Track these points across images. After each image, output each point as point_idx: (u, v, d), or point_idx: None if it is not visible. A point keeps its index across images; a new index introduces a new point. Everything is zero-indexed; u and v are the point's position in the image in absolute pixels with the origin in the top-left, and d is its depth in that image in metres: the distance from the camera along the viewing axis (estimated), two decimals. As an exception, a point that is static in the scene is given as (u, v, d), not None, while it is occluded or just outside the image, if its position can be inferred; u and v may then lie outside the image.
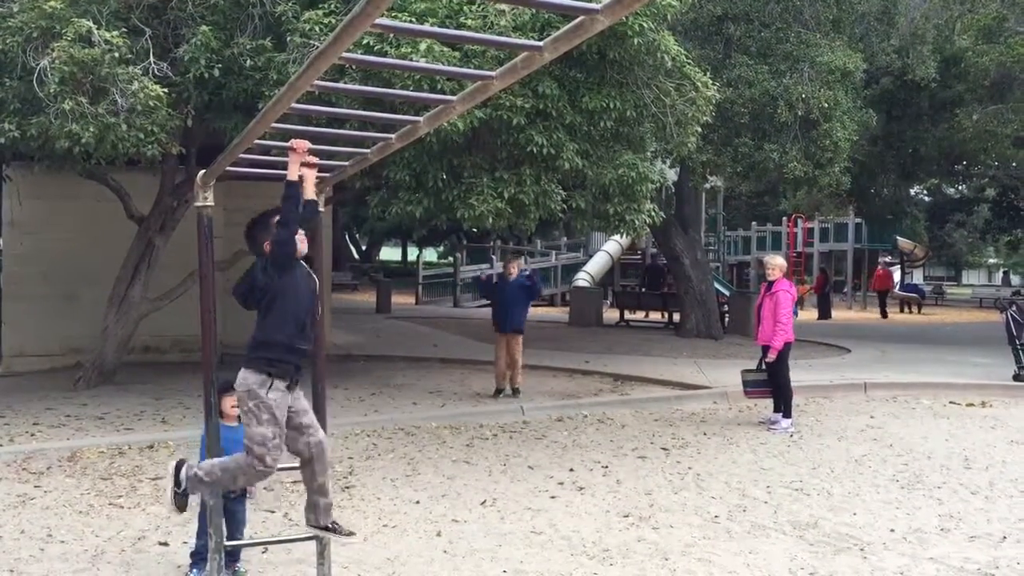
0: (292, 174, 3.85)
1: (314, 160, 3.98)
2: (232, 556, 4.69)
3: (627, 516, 6.16)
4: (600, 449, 8.25)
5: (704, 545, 5.58)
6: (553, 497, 6.61)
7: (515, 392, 10.68)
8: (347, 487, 6.70)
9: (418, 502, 6.42)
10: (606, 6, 2.24)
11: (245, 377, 3.96)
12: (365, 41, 7.51)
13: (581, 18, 2.32)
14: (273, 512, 6.06)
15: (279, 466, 4.08)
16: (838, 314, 27.48)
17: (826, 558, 5.36)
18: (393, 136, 3.71)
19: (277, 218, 3.90)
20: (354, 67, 7.43)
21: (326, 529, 4.18)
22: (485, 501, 6.47)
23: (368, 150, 3.97)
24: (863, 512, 6.33)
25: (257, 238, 4.06)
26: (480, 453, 8.01)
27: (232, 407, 4.51)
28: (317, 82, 2.85)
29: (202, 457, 4.46)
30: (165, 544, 5.43)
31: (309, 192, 4.00)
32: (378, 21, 2.32)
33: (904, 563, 5.29)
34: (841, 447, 8.45)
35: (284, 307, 3.95)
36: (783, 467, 7.66)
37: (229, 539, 4.45)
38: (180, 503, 4.15)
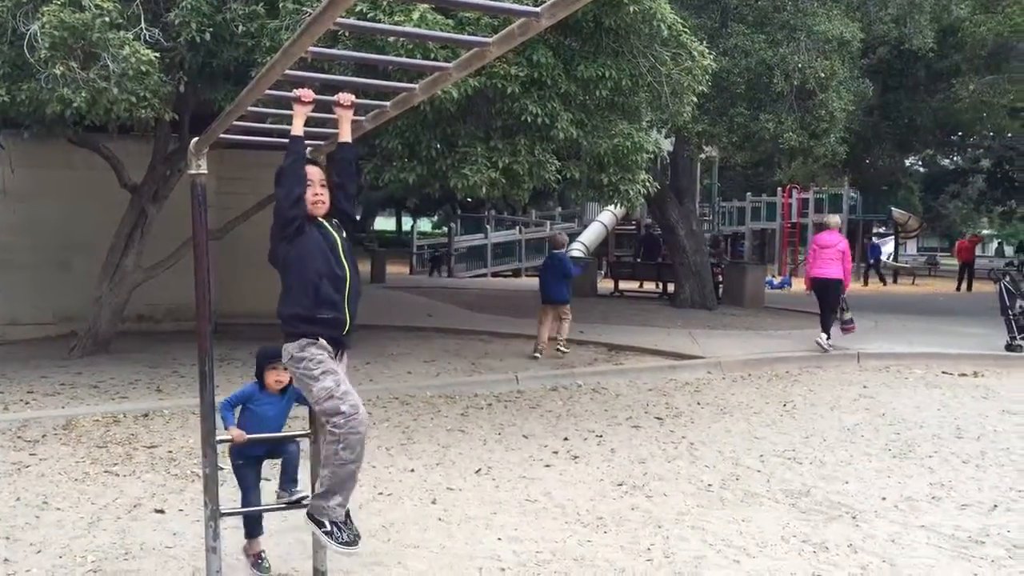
0: (296, 128, 3.48)
1: (348, 99, 3.59)
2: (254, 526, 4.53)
3: (621, 484, 6.20)
4: (594, 418, 8.29)
5: (697, 513, 5.62)
6: (547, 466, 6.65)
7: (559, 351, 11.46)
8: (342, 455, 6.72)
9: (413, 470, 6.45)
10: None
11: (285, 348, 3.63)
12: (359, 8, 7.44)
13: (579, -17, 2.29)
14: (268, 480, 6.08)
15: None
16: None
17: (818, 526, 5.41)
18: (388, 104, 3.68)
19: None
20: (348, 34, 7.36)
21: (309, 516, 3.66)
22: (480, 469, 6.51)
23: (363, 117, 3.93)
24: (855, 481, 6.38)
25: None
26: (475, 422, 8.04)
27: (276, 380, 4.26)
28: (311, 48, 2.81)
29: (226, 419, 4.19)
30: (161, 511, 5.45)
31: (345, 134, 3.63)
32: (373, -15, 2.29)
33: (895, 531, 5.34)
34: (834, 416, 8.50)
35: (295, 277, 3.59)
36: (776, 436, 7.71)
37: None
38: (342, 536, 3.60)
